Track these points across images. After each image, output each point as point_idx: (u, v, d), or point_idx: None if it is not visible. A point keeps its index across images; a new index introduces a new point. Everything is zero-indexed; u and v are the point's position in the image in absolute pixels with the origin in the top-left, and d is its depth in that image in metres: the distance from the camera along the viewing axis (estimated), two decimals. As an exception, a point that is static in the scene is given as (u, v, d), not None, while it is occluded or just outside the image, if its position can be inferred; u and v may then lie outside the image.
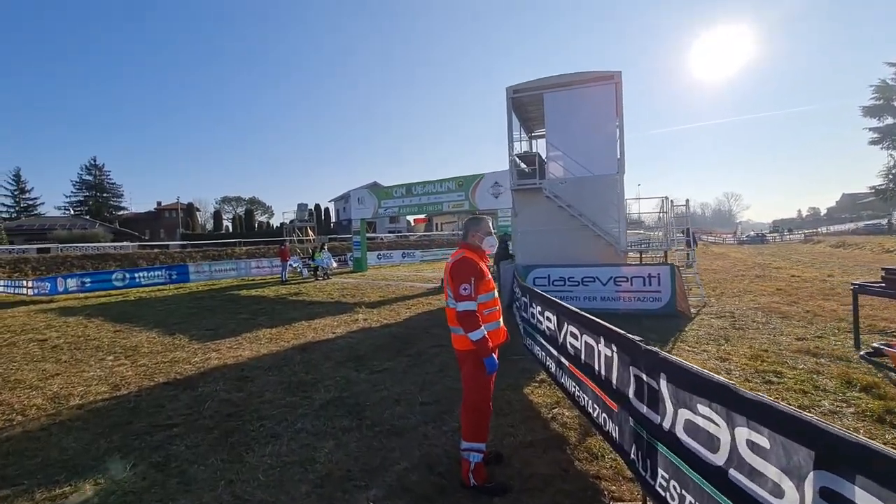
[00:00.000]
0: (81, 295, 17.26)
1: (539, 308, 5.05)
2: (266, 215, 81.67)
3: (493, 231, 3.30)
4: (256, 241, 46.27)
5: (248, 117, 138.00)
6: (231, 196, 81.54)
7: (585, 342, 3.52)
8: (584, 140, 10.25)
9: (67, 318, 11.13)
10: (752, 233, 67.19)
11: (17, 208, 60.59)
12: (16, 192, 61.18)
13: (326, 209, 70.66)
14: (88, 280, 17.99)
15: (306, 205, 33.16)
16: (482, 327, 2.92)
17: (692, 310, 8.90)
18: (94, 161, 66.09)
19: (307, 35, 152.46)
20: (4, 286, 22.11)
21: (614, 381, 2.94)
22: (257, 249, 39.99)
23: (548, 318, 4.65)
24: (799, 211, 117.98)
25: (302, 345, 6.99)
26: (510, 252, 14.57)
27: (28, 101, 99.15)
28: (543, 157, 12.12)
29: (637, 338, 2.66)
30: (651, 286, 9.12)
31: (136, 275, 18.70)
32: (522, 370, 5.43)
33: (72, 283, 17.68)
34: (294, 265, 19.76)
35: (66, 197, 65.34)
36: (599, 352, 3.20)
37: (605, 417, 3.13)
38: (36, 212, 60.90)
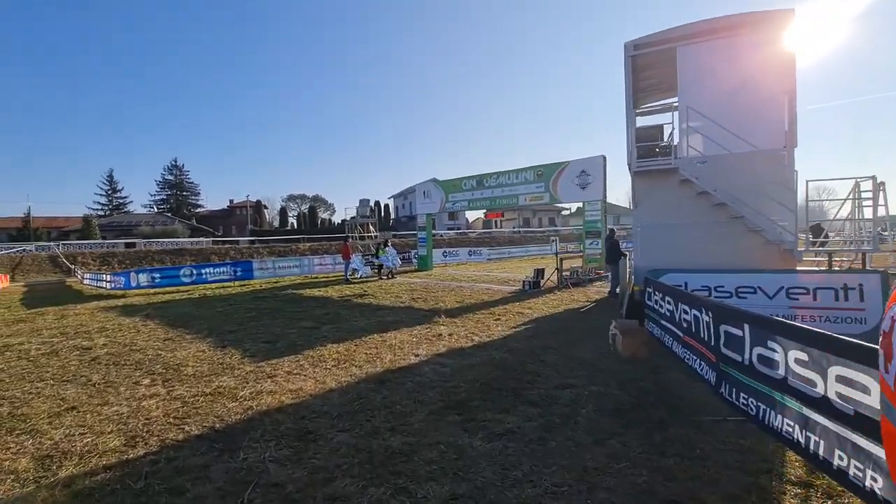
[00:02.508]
0: (151, 290, 17.09)
1: (793, 348, 2.86)
2: (328, 212, 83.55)
3: None
4: (319, 237, 46.70)
5: (314, 118, 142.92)
6: (296, 194, 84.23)
7: None
8: (733, 106, 7.74)
9: (126, 318, 10.35)
10: None
11: (109, 206, 65.95)
12: (108, 191, 66.65)
13: (386, 206, 70.77)
14: (158, 276, 17.85)
15: (368, 200, 32.35)
16: None
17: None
18: (175, 162, 70.64)
19: (378, 39, 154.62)
20: (90, 279, 23.06)
21: None
22: (320, 245, 40.18)
23: (815, 366, 2.49)
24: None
25: (379, 374, 5.26)
26: (622, 250, 12.23)
27: (119, 107, 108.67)
28: (666, 133, 9.67)
29: None
30: (848, 301, 6.51)
31: (203, 271, 18.34)
32: (744, 450, 3.28)
33: (143, 279, 17.61)
34: (355, 267, 18.51)
35: (151, 196, 70.38)
36: None
37: None
38: (125, 209, 65.97)
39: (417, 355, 6.04)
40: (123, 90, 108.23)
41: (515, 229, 62.09)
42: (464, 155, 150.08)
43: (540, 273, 13.74)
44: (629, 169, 8.82)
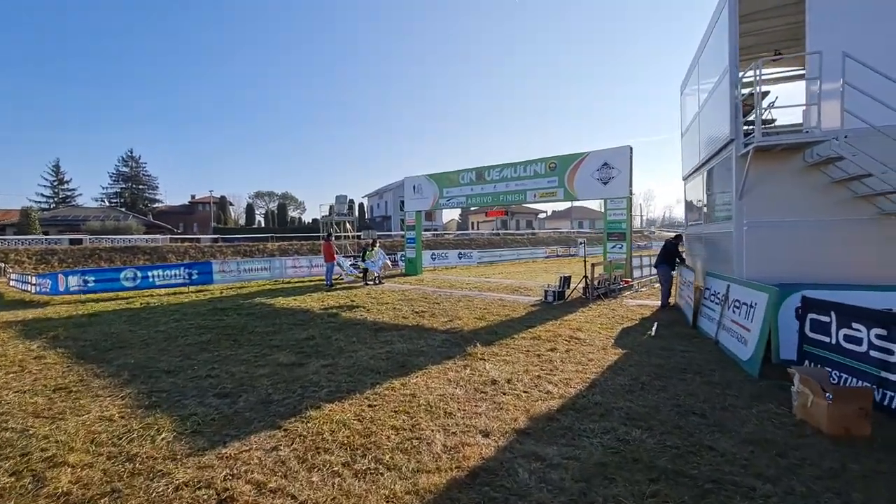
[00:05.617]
0: (83, 296, 13.82)
1: None
2: (298, 211, 79.30)
3: None
4: (289, 236, 43.18)
5: (281, 113, 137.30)
6: (264, 191, 79.63)
7: None
8: (892, 58, 5.66)
9: (22, 342, 7.33)
10: None
11: (55, 199, 59.81)
12: (55, 183, 60.50)
13: (360, 205, 67.49)
14: (92, 279, 14.49)
15: (346, 196, 29.32)
16: None
17: None
18: (131, 153, 65.08)
19: (355, 32, 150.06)
20: (15, 281, 19.31)
21: None
22: (290, 245, 36.86)
23: None
24: None
25: (441, 499, 2.73)
26: (682, 255, 10.51)
27: (71, 95, 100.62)
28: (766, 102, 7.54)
29: None
30: None
31: (150, 273, 15.10)
32: None
33: (73, 282, 14.25)
34: (344, 268, 15.96)
35: (103, 188, 64.56)
36: None
37: None
38: (73, 202, 59.96)
39: (487, 434, 3.53)
40: (78, 76, 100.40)
41: (494, 231, 60.10)
42: (438, 155, 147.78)
43: (566, 281, 11.47)
44: (731, 149, 6.62)
